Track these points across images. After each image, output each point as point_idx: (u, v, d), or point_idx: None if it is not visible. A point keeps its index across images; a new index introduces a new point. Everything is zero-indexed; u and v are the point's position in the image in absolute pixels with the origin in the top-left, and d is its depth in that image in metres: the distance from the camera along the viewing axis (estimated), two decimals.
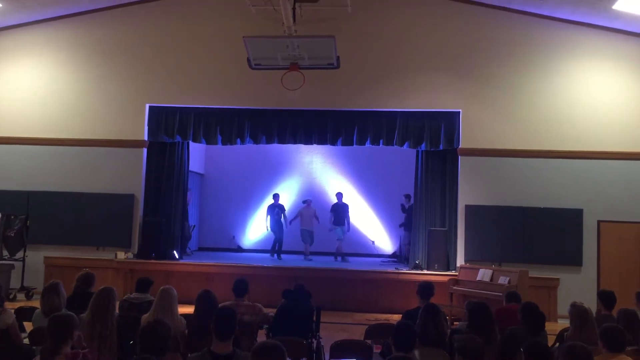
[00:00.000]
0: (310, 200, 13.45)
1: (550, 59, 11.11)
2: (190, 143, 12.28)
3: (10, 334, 4.86)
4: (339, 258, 12.93)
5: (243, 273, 9.90)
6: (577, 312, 4.82)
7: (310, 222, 13.09)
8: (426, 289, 6.06)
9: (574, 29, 11.09)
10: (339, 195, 13.39)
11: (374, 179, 14.48)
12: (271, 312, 6.00)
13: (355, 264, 12.37)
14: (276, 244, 12.99)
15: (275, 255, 12.90)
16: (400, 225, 12.96)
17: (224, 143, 11.91)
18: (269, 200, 13.53)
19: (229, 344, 3.67)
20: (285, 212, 13.31)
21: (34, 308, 5.41)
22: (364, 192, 14.36)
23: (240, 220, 14.74)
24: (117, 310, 4.57)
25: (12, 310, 5.39)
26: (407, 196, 12.81)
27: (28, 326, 5.44)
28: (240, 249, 14.23)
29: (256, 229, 14.23)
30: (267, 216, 13.18)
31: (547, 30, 11.16)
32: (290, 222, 13.22)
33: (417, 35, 11.43)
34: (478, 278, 9.65)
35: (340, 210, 13.12)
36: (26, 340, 5.07)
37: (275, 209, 13.13)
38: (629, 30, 10.91)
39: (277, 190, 14.07)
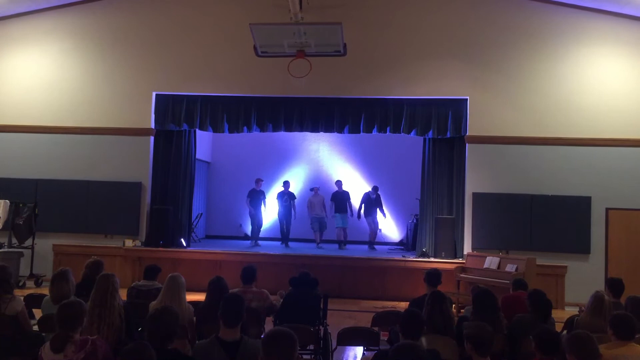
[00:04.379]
0: (317, 188, 13.47)
1: (559, 45, 11.00)
2: (197, 131, 12.27)
3: (19, 321, 4.89)
4: (344, 245, 12.93)
5: (250, 261, 9.94)
6: (595, 300, 4.82)
7: (320, 210, 13.11)
8: (433, 276, 6.06)
9: (584, 14, 10.96)
10: (339, 183, 13.40)
11: (381, 166, 14.46)
12: (276, 299, 6.02)
13: (362, 251, 12.39)
14: (284, 232, 13.03)
15: (284, 243, 12.96)
16: (367, 214, 12.95)
17: (230, 131, 11.90)
18: (279, 188, 13.53)
19: (237, 330, 3.68)
20: (295, 200, 13.29)
21: (43, 295, 5.44)
22: (370, 179, 14.33)
23: (247, 209, 14.74)
24: (119, 294, 4.57)
25: (22, 298, 5.43)
26: (375, 188, 13.05)
27: (37, 313, 5.48)
28: (247, 237, 14.26)
29: (263, 217, 14.24)
30: (278, 203, 13.21)
31: (556, 16, 11.04)
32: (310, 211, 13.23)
33: (425, 22, 11.34)
34: (485, 266, 9.64)
35: (340, 198, 13.11)
36: (35, 327, 5.11)
37: (285, 197, 13.13)
38: (638, 16, 10.78)
39: (284, 178, 14.06)
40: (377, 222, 13.00)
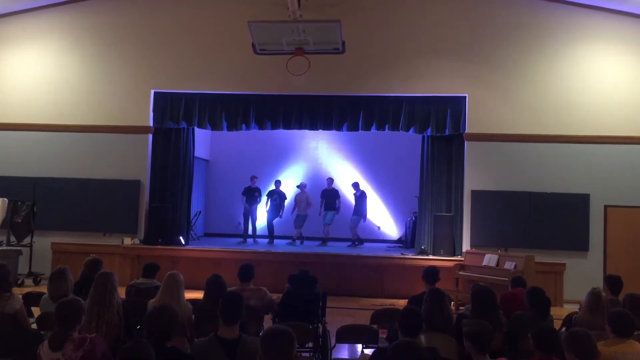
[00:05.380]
0: (304, 185, 13.43)
1: (558, 42, 10.99)
2: (196, 129, 12.26)
3: (18, 319, 4.89)
4: (327, 242, 12.90)
5: (249, 259, 9.94)
6: (592, 297, 4.82)
7: (304, 207, 13.09)
8: (431, 273, 6.05)
9: (583, 12, 10.95)
10: (330, 180, 13.40)
11: (380, 164, 14.44)
12: (277, 297, 6.02)
13: (361, 249, 12.38)
14: (271, 229, 13.02)
15: (274, 240, 12.94)
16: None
17: (229, 129, 11.89)
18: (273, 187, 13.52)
19: (236, 328, 3.68)
20: (286, 200, 13.26)
21: (42, 293, 5.44)
22: (369, 177, 14.33)
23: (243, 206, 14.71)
24: (118, 292, 4.57)
25: (20, 296, 5.43)
26: (356, 185, 13.06)
27: (36, 311, 5.47)
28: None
29: (262, 215, 14.23)
30: (266, 202, 13.20)
31: (555, 13, 11.03)
32: (293, 211, 13.21)
33: (424, 20, 11.33)
34: (484, 263, 9.65)
35: (329, 196, 13.09)
36: (34, 325, 5.10)
37: (274, 195, 13.13)
38: (638, 14, 10.77)
39: (283, 176, 14.08)
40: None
